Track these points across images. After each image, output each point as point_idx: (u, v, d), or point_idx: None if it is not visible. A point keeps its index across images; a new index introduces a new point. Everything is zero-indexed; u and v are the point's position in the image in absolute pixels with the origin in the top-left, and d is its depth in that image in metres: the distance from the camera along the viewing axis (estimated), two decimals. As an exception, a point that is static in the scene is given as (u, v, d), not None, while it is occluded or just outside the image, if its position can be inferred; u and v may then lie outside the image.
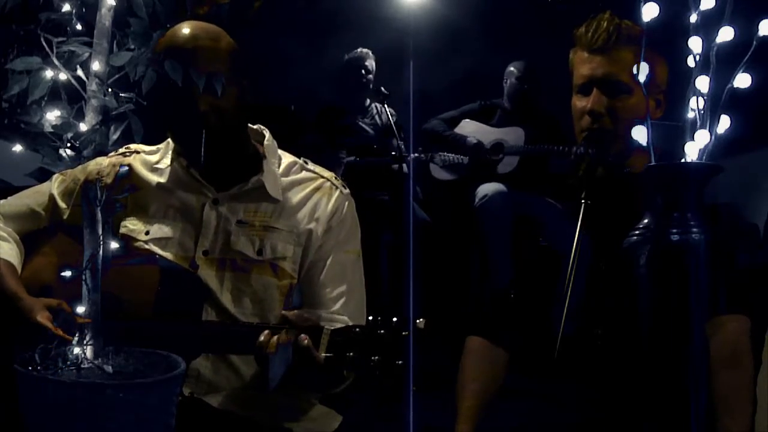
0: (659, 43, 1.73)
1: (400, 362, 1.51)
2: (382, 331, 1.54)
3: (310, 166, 1.92)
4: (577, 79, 1.85)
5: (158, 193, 1.84)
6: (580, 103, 1.83)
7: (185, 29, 1.76)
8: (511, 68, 4.72)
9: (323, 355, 1.55)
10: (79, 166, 1.94)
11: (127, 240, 1.80)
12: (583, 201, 1.73)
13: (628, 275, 1.36)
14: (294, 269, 1.81)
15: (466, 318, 1.98)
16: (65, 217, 1.82)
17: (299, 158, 1.93)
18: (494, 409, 1.87)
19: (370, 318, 1.58)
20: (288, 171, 1.89)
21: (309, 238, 1.82)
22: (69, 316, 1.38)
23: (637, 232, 1.34)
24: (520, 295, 1.90)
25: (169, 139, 1.90)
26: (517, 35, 4.73)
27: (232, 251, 1.79)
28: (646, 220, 1.34)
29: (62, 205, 1.84)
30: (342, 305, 1.82)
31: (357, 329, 1.57)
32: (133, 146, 1.90)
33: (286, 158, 1.91)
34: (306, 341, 1.55)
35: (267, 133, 1.90)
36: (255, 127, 1.91)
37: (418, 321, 1.55)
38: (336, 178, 1.92)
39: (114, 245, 1.38)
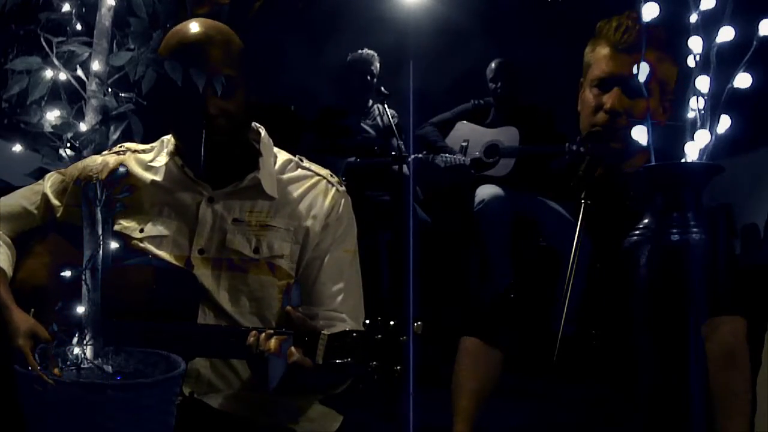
0: (673, 48, 1.72)
1: (398, 368, 1.48)
2: (379, 336, 1.50)
3: (306, 163, 1.91)
4: (596, 73, 1.82)
5: (153, 192, 1.82)
6: (596, 98, 1.81)
7: (197, 27, 1.74)
8: (488, 69, 4.72)
9: (320, 361, 1.51)
10: (73, 165, 1.92)
11: (121, 238, 1.75)
12: (583, 201, 1.73)
13: (627, 275, 1.36)
14: (291, 267, 1.80)
15: (462, 318, 1.98)
16: (58, 215, 1.81)
17: (294, 156, 1.92)
18: (494, 409, 1.87)
19: (368, 321, 1.54)
20: (284, 169, 1.87)
21: (306, 236, 1.81)
22: (51, 351, 1.34)
23: (637, 232, 1.34)
24: (520, 295, 1.90)
25: (164, 138, 1.89)
26: (516, 35, 4.73)
27: (228, 250, 1.78)
28: (646, 220, 1.34)
29: (56, 203, 1.82)
30: (340, 302, 1.80)
31: (354, 334, 1.53)
32: (127, 145, 1.89)
33: (282, 156, 1.90)
34: (295, 357, 1.52)
35: (263, 131, 1.89)
36: (251, 124, 1.89)
37: (415, 325, 1.51)
38: (331, 175, 1.90)
39: (112, 244, 1.37)
